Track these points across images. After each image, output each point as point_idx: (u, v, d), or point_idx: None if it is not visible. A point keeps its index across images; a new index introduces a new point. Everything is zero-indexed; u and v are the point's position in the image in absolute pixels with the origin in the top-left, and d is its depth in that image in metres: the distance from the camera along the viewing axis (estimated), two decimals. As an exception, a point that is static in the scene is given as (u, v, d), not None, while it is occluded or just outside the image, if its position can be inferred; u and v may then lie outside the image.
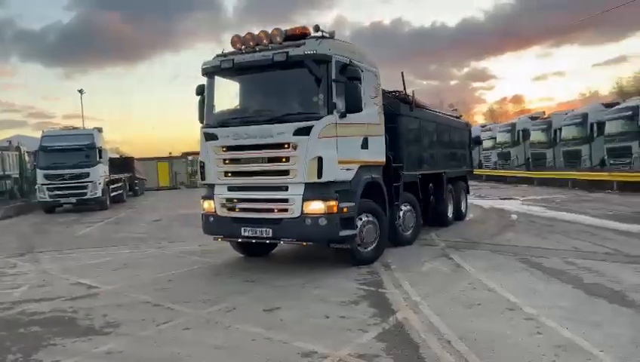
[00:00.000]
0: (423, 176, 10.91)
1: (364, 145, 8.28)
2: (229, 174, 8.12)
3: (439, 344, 4.69)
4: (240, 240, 8.33)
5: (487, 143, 35.14)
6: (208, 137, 8.23)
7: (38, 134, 24.05)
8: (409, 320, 5.44)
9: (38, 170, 22.10)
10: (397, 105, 10.00)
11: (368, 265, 8.20)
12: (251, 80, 8.34)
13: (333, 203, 7.42)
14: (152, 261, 9.83)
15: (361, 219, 8.09)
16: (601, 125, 23.75)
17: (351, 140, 7.95)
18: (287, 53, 7.43)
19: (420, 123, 10.98)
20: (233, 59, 7.96)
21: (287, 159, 7.51)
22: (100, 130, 23.81)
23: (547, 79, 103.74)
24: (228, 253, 9.89)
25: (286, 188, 7.64)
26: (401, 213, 9.68)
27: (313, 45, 7.50)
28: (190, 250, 10.81)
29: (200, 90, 8.56)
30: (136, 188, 32.52)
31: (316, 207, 7.42)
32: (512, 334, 4.85)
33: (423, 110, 11.38)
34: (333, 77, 7.49)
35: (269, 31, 7.84)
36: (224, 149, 8.08)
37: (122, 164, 29.93)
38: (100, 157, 22.60)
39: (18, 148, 28.91)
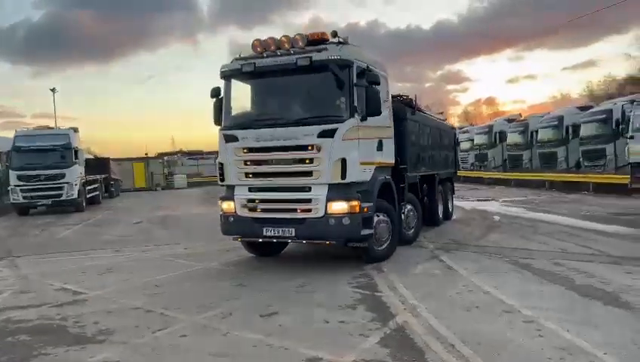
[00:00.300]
0: (421, 177, 11.29)
1: (380, 147, 8.64)
2: (250, 175, 8.22)
3: (443, 348, 4.68)
4: (260, 240, 8.40)
5: (464, 145, 35.55)
6: (228, 139, 8.28)
7: (7, 134, 23.33)
8: (409, 323, 5.43)
9: (10, 171, 21.40)
10: (402, 109, 10.29)
11: (380, 262, 8.42)
12: (272, 83, 8.45)
13: (355, 203, 7.64)
14: (137, 265, 9.61)
15: (377, 217, 8.35)
16: (576, 128, 24.26)
17: (369, 142, 8.28)
18: (310, 57, 7.60)
19: (419, 126, 11.34)
20: (255, 63, 8.05)
21: (311, 160, 7.70)
22: (75, 130, 23.26)
23: (519, 82, 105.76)
24: (214, 257, 9.79)
25: (309, 189, 7.82)
26: (405, 213, 9.89)
27: (336, 50, 7.75)
28: (175, 253, 10.62)
29: (215, 93, 8.56)
30: (112, 189, 31.82)
31: (340, 207, 7.64)
32: (514, 337, 4.87)
33: (421, 114, 11.84)
34: (355, 81, 7.75)
35: (292, 35, 7.99)
36: (245, 151, 8.15)
37: (98, 165, 29.26)
38: (76, 157, 22.10)
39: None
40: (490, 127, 33.97)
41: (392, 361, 4.46)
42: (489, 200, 19.95)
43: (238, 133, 8.20)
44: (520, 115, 35.89)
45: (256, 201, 8.24)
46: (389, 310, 5.96)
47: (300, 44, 7.86)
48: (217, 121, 8.60)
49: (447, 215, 14.03)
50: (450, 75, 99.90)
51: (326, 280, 7.59)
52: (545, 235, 10.86)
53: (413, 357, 4.52)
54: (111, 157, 36.03)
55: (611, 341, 4.67)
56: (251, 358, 4.71)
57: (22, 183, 20.96)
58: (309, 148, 7.64)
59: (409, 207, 10.11)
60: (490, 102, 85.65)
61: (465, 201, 18.80)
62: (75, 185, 21.73)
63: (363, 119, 7.84)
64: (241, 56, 8.43)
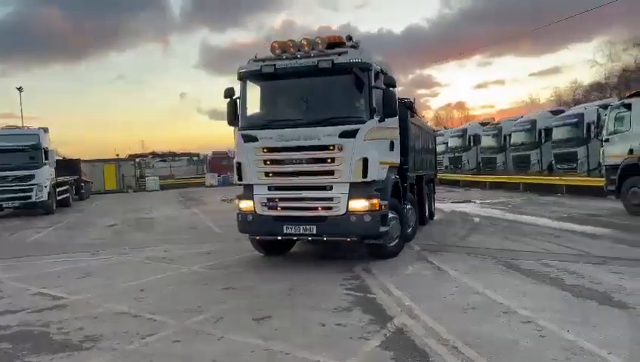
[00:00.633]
0: (416, 178, 11.63)
1: (391, 147, 8.96)
2: (270, 174, 8.29)
3: (447, 350, 4.60)
4: (280, 237, 8.46)
5: (439, 148, 35.81)
6: (247, 139, 8.35)
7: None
8: (408, 326, 5.33)
9: (-24, 173, 20.58)
10: (405, 112, 10.53)
11: (393, 257, 8.74)
12: (290, 85, 8.54)
13: (376, 201, 7.91)
14: (118, 268, 9.30)
15: (390, 215, 8.56)
16: (548, 131, 24.72)
17: (384, 143, 8.60)
18: (332, 60, 7.80)
19: (415, 128, 11.66)
20: (275, 64, 8.15)
21: (333, 160, 7.89)
22: (45, 130, 22.49)
23: (488, 87, 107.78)
24: (196, 259, 9.58)
25: (330, 188, 8.00)
26: (405, 211, 9.94)
27: (357, 54, 7.98)
28: (155, 256, 10.33)
29: (229, 93, 8.53)
30: (82, 191, 31.01)
31: (361, 204, 7.87)
32: (516, 338, 4.83)
33: (417, 117, 12.33)
34: (373, 84, 7.99)
35: (312, 38, 8.12)
36: (265, 150, 8.23)
37: (68, 166, 28.40)
38: (46, 158, 21.41)
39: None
40: (465, 130, 34.35)
41: (397, 365, 4.36)
42: (467, 201, 20.15)
43: (258, 133, 8.29)
44: (493, 118, 36.46)
45: (277, 200, 8.30)
46: (386, 312, 5.86)
47: (321, 47, 8.02)
48: (232, 121, 8.61)
49: (431, 215, 14.36)
50: (420, 80, 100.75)
51: (316, 281, 7.46)
52: (527, 236, 10.96)
53: (417, 360, 4.43)
54: (81, 158, 35.10)
55: (612, 340, 4.67)
56: (251, 364, 4.54)
57: (-12, 185, 20.13)
58: (331, 147, 7.82)
59: (409, 206, 10.27)
60: (460, 106, 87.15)
61: (443, 203, 18.92)
62: (45, 186, 21.07)
63: (381, 120, 8.11)
64: (257, 57, 8.48)
